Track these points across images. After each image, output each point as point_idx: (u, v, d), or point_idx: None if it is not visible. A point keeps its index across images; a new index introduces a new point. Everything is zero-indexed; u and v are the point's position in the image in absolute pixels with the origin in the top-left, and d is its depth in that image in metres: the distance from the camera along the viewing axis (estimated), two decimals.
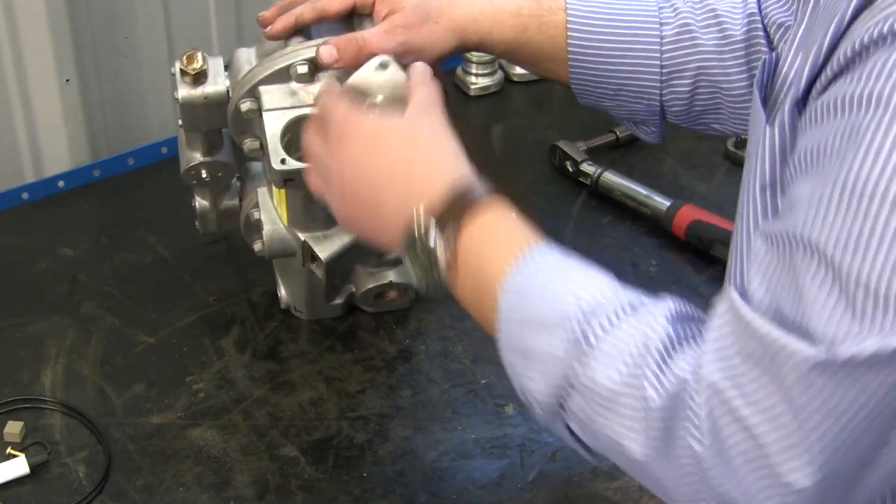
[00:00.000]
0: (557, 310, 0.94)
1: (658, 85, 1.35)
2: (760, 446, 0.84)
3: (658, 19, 1.33)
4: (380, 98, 1.20)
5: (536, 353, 0.96)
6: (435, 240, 1.01)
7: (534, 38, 1.34)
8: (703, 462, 0.87)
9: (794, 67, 1.02)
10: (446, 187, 1.03)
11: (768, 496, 0.85)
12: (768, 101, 1.05)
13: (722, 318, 0.90)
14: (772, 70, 1.06)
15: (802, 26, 1.05)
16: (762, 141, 1.00)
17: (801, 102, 0.96)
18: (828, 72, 0.90)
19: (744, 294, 0.90)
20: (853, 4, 0.89)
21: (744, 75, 1.31)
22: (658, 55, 1.33)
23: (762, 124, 1.01)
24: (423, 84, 1.15)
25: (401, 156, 1.07)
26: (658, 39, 1.33)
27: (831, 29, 0.91)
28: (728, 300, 0.90)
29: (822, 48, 0.92)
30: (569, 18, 1.34)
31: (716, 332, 0.89)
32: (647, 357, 0.90)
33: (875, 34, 0.84)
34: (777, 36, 1.29)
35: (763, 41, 1.32)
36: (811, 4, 1.05)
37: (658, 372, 0.89)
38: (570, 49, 1.34)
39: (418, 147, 1.08)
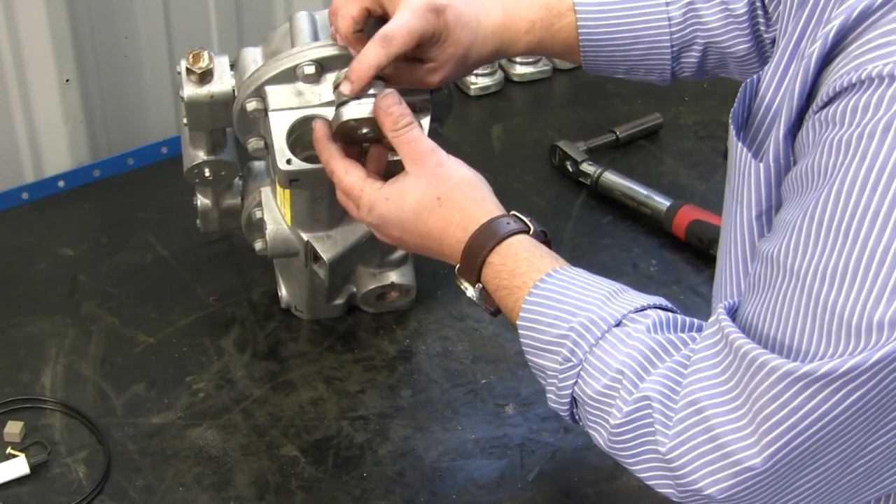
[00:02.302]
0: (556, 337, 1.07)
1: (669, 60, 1.38)
2: (720, 446, 0.94)
3: (664, 0, 1.36)
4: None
5: (546, 370, 1.08)
6: (472, 292, 1.17)
7: (547, 44, 1.37)
8: (666, 456, 0.98)
9: (778, 97, 1.07)
10: (461, 252, 1.17)
11: (721, 475, 0.95)
12: (748, 125, 1.11)
13: (711, 339, 0.99)
14: (753, 93, 1.11)
15: (784, 55, 1.08)
16: (750, 174, 1.06)
17: (793, 131, 1.01)
18: (814, 106, 0.96)
19: (732, 312, 1.00)
20: (830, 38, 0.94)
21: (749, 43, 1.36)
22: (668, 37, 1.37)
23: (746, 158, 1.06)
24: (404, 141, 1.20)
25: (422, 230, 1.20)
26: (667, 22, 1.36)
27: (814, 61, 0.96)
28: (717, 318, 0.99)
29: (808, 81, 0.97)
30: (579, 19, 1.35)
31: (703, 351, 0.99)
32: (622, 380, 1.02)
33: (846, 82, 0.90)
34: (772, 7, 1.33)
35: (762, 15, 1.35)
36: (787, 32, 1.08)
37: (626, 394, 1.01)
38: (582, 48, 1.37)
39: (429, 222, 1.19)
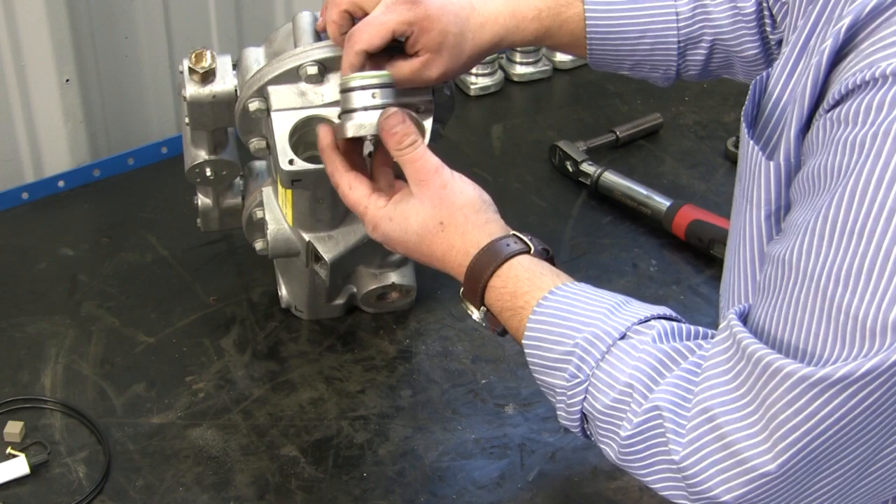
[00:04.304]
0: (562, 353, 1.07)
1: (675, 57, 1.38)
2: (734, 453, 0.94)
3: None
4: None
5: (555, 388, 1.08)
6: (477, 315, 1.17)
7: (554, 35, 1.36)
8: (679, 465, 0.97)
9: (787, 94, 1.07)
10: (463, 276, 1.16)
11: (736, 482, 0.95)
12: (756, 123, 1.10)
13: (722, 345, 0.98)
14: (762, 90, 1.10)
15: (794, 53, 1.07)
16: (761, 173, 1.05)
17: (804, 130, 1.00)
18: (824, 105, 0.95)
19: (743, 317, 0.98)
20: (842, 35, 0.94)
21: (756, 44, 1.35)
22: (675, 32, 1.36)
23: (757, 157, 1.05)
24: (409, 161, 1.19)
25: (425, 252, 1.20)
26: (675, 17, 1.35)
27: (825, 58, 0.95)
28: (728, 324, 0.98)
29: (819, 79, 0.96)
30: (586, 9, 1.35)
31: (714, 357, 0.98)
32: (631, 392, 1.01)
33: (859, 80, 0.90)
34: (776, 8, 1.32)
35: (769, 16, 1.35)
36: (797, 30, 1.08)
37: (636, 406, 1.01)
38: (589, 40, 1.37)
39: (432, 246, 1.19)
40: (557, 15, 1.34)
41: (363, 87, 1.21)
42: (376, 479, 1.41)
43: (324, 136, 1.24)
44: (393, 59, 1.29)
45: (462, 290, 1.17)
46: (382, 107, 1.20)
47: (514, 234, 1.16)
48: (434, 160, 1.19)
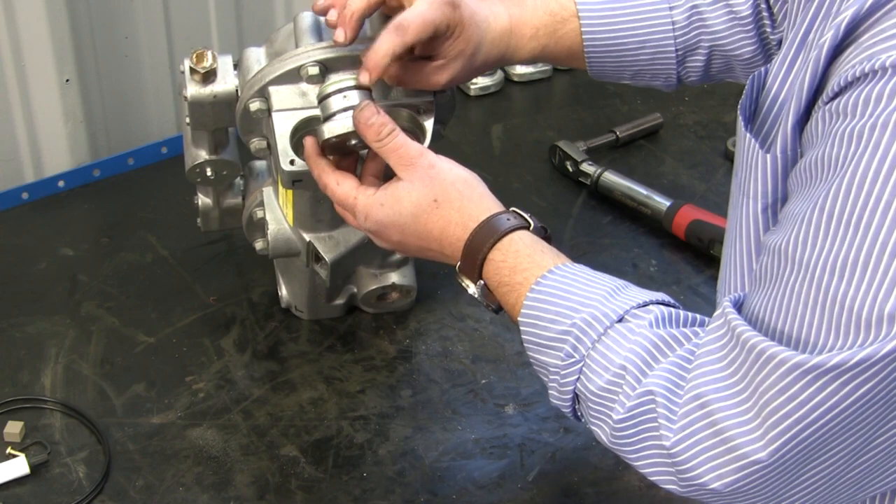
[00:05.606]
0: (559, 333, 1.07)
1: (674, 65, 1.38)
2: (725, 440, 0.94)
3: (667, 4, 1.36)
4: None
5: (548, 366, 1.08)
6: (473, 289, 1.17)
7: (550, 52, 1.37)
8: (670, 451, 0.97)
9: (785, 88, 1.07)
10: (462, 250, 1.16)
11: (726, 469, 0.95)
12: (755, 117, 1.10)
13: (716, 332, 0.98)
14: (760, 86, 1.10)
15: (792, 48, 1.07)
16: (757, 166, 1.06)
17: (801, 123, 1.00)
18: (823, 97, 0.95)
19: (738, 305, 0.98)
20: (843, 28, 0.94)
21: (754, 46, 1.36)
22: (672, 41, 1.36)
23: (755, 150, 1.06)
24: (391, 150, 1.19)
25: (421, 232, 1.19)
26: (671, 26, 1.36)
27: (824, 51, 0.95)
28: (723, 312, 0.98)
29: (818, 72, 0.97)
30: (583, 25, 1.35)
31: (708, 345, 0.98)
32: (625, 375, 1.01)
33: (858, 72, 0.90)
34: (777, 7, 1.33)
35: (767, 17, 1.35)
36: (795, 25, 1.08)
37: (629, 390, 1.01)
38: (587, 56, 1.37)
39: (428, 224, 1.19)
40: (553, 32, 1.35)
41: (339, 91, 1.23)
42: (376, 479, 1.41)
43: (309, 146, 1.25)
44: (401, 59, 1.28)
45: (459, 264, 1.17)
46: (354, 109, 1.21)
47: (513, 210, 1.17)
48: (416, 145, 1.19)
